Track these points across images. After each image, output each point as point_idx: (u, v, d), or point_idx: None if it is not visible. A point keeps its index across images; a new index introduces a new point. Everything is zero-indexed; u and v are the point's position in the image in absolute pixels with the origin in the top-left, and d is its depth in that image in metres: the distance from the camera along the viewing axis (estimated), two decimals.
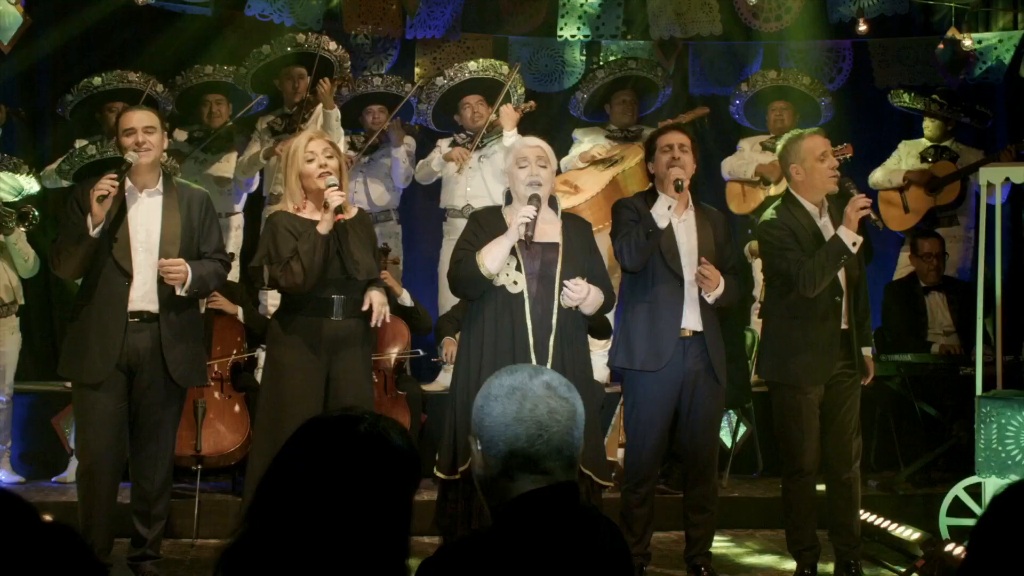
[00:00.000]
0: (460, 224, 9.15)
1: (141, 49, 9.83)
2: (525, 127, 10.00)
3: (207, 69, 9.59)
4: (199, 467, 7.49)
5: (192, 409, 7.56)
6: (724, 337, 8.65)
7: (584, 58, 10.58)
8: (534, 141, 6.18)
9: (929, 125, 9.85)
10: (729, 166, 9.80)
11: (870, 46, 10.56)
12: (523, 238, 5.82)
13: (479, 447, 2.66)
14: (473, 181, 9.18)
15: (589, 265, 6.04)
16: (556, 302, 5.89)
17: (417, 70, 10.39)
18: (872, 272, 10.03)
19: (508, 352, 5.85)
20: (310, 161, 6.09)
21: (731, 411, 8.78)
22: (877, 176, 9.75)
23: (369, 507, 2.23)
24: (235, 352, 8.14)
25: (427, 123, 9.73)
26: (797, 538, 6.58)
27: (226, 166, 9.44)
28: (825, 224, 6.44)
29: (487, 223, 6.06)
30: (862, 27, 9.82)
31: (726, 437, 8.78)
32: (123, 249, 6.13)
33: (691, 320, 6.34)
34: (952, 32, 9.57)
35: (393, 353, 8.23)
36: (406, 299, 8.39)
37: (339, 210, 5.99)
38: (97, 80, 9.11)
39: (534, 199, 5.90)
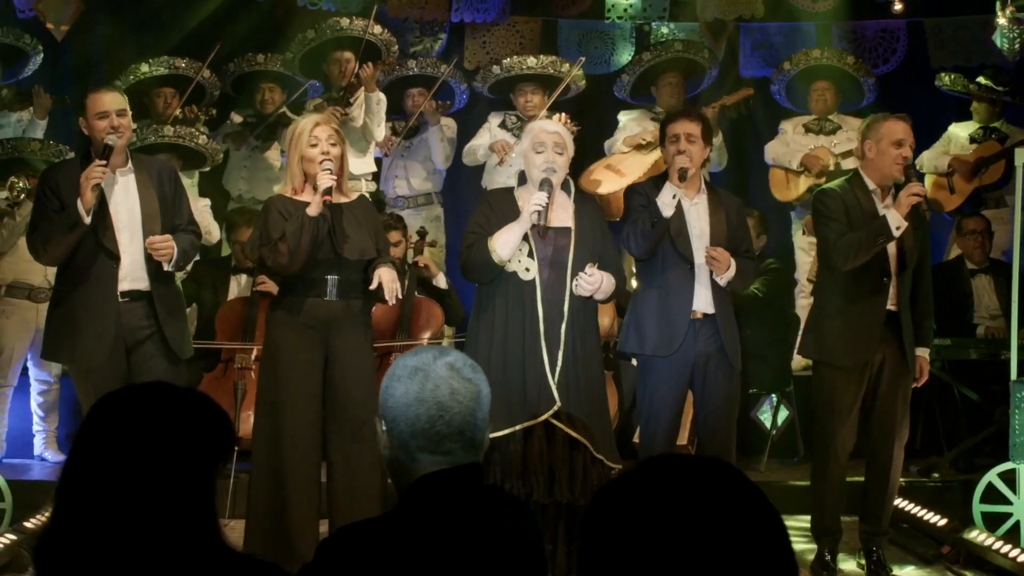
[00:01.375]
0: None
1: (192, 35, 9.90)
2: (568, 110, 10.04)
3: (259, 58, 9.71)
4: (236, 448, 7.55)
5: (232, 390, 7.66)
6: (765, 321, 8.69)
7: (634, 40, 10.52)
8: (553, 126, 6.19)
9: (978, 107, 9.69)
10: (773, 152, 9.68)
11: (926, 26, 10.40)
12: (535, 225, 5.83)
13: (383, 427, 2.67)
14: (517, 165, 9.15)
15: (601, 249, 6.05)
16: (568, 289, 5.92)
17: (467, 54, 10.39)
18: None
19: (519, 339, 5.89)
20: (313, 146, 6.05)
21: (773, 395, 8.72)
22: (924, 160, 9.60)
23: (167, 477, 2.23)
24: None
25: (482, 91, 9.75)
26: (819, 520, 6.54)
27: (274, 154, 9.52)
28: (887, 208, 6.32)
29: (499, 206, 6.08)
30: (897, 6, 9.64)
31: (767, 421, 8.72)
32: (108, 231, 6.16)
33: (702, 302, 6.30)
34: (999, 7, 9.38)
35: (425, 337, 8.24)
36: (441, 281, 8.42)
37: (328, 192, 5.96)
38: (145, 67, 9.24)
39: (545, 184, 5.91)
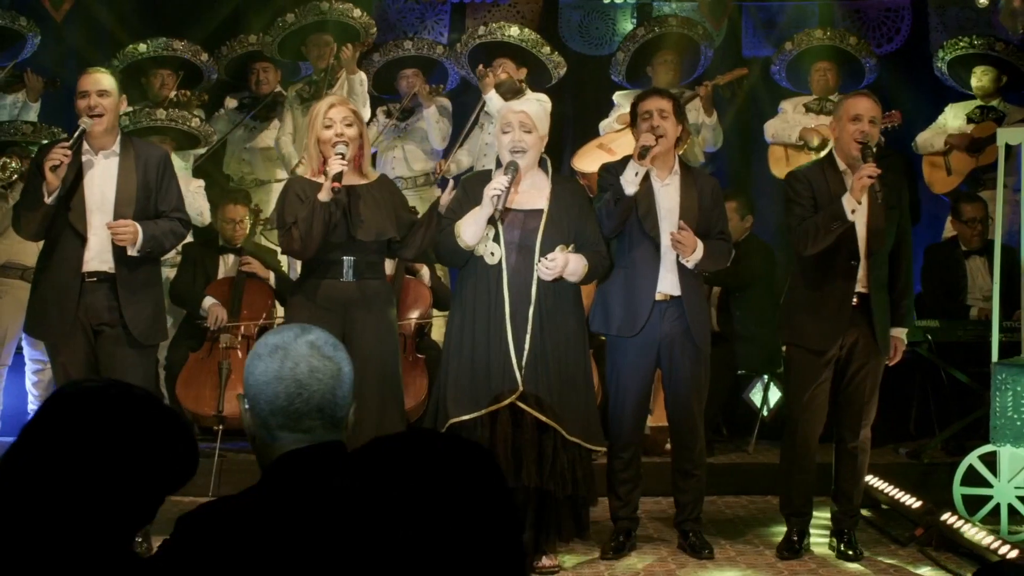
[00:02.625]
0: None
1: (193, 18, 9.95)
2: (568, 91, 10.03)
3: (251, 38, 9.73)
4: (220, 427, 7.62)
5: (217, 370, 7.72)
6: (756, 302, 8.65)
7: (635, 20, 10.48)
8: (520, 105, 6.15)
9: (982, 78, 9.53)
10: (772, 129, 9.62)
11: (929, 5, 10.31)
12: (495, 210, 5.83)
13: (246, 405, 2.68)
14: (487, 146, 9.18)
15: (578, 230, 6.01)
16: (536, 272, 5.91)
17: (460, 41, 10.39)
18: (920, 234, 9.87)
19: (484, 324, 5.91)
20: (328, 127, 6.01)
21: (764, 376, 8.69)
22: (921, 139, 9.53)
23: (97, 490, 2.30)
24: (263, 316, 8.25)
25: (467, 73, 9.69)
26: (787, 501, 6.56)
27: (273, 133, 9.56)
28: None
29: (472, 189, 6.09)
30: None
31: (757, 402, 8.70)
32: (78, 212, 6.18)
33: (667, 284, 6.30)
34: None
35: (412, 318, 8.27)
36: (425, 277, 8.44)
37: (337, 178, 5.90)
38: (143, 47, 9.30)
39: (511, 167, 5.90)
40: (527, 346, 5.85)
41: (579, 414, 5.96)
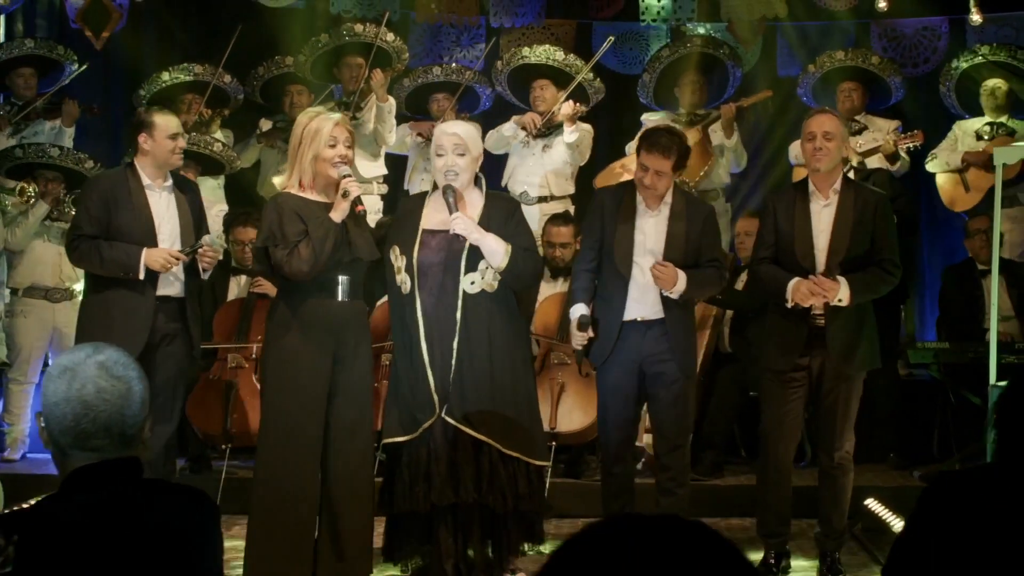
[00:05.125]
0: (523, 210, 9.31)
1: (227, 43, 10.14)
2: (601, 111, 10.08)
3: (287, 60, 9.90)
4: (228, 446, 7.78)
5: (224, 390, 7.89)
6: (758, 321, 8.62)
7: (668, 42, 10.50)
8: (452, 127, 6.14)
9: (987, 100, 9.41)
10: (796, 150, 9.55)
11: (968, 23, 10.19)
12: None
13: (42, 424, 2.79)
14: (531, 166, 9.26)
15: (510, 233, 5.96)
16: (461, 290, 5.88)
17: (503, 57, 10.47)
18: (939, 257, 9.75)
19: (406, 349, 5.97)
20: (332, 146, 5.92)
21: None
22: (935, 161, 9.41)
23: None
24: None
25: (504, 92, 9.85)
26: (763, 522, 6.56)
27: None
28: (822, 210, 6.33)
29: (403, 211, 6.19)
30: (882, 4, 9.48)
31: None
32: (149, 242, 6.54)
33: (645, 309, 6.34)
34: None
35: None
36: None
37: (359, 200, 5.89)
38: (165, 75, 9.53)
39: (448, 191, 5.92)
40: (453, 364, 5.84)
41: (521, 429, 5.94)
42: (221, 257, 6.71)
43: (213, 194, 9.36)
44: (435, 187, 6.12)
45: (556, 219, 8.48)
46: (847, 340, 6.31)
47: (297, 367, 5.92)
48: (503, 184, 9.41)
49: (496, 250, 5.87)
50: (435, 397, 5.84)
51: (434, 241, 5.94)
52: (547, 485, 6.59)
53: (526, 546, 6.08)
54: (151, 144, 6.60)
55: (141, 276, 6.47)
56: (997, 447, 2.57)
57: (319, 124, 5.95)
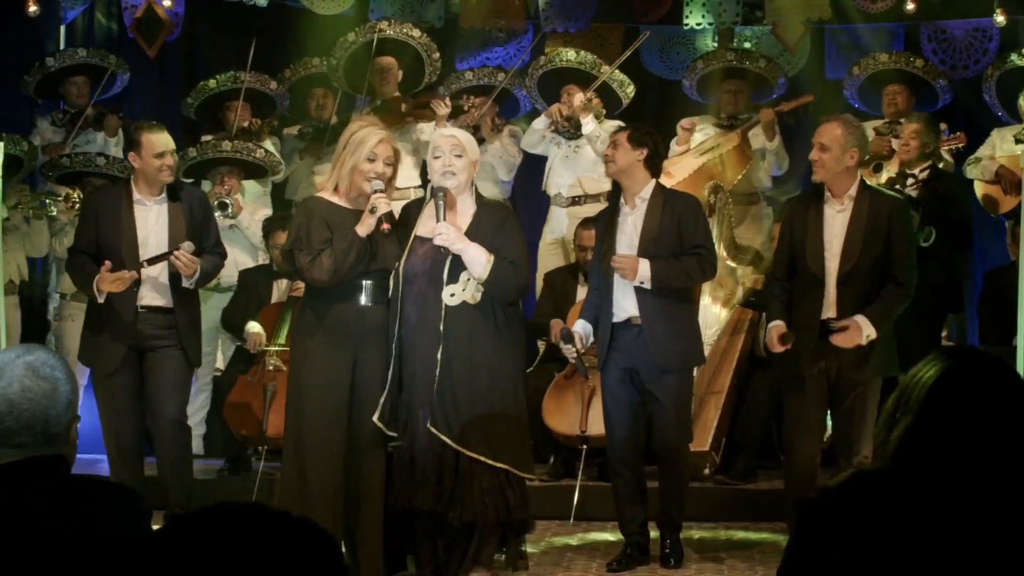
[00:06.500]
0: (557, 212, 9.37)
1: (275, 50, 10.29)
2: (648, 114, 10.11)
3: (314, 61, 10.03)
4: (264, 448, 7.93)
5: (262, 392, 8.01)
6: None
7: (716, 44, 10.49)
8: (450, 131, 6.25)
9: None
10: None
11: (1020, 24, 10.06)
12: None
13: None
14: (563, 167, 9.34)
15: (499, 244, 5.94)
16: (443, 304, 5.88)
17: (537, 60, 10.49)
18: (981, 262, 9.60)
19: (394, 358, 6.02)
20: (371, 161, 5.96)
21: None
22: (973, 167, 9.27)
23: None
24: None
25: (536, 103, 9.90)
26: (790, 524, 6.58)
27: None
28: (836, 215, 6.38)
29: (402, 216, 6.20)
30: (910, 6, 9.41)
31: None
32: (131, 254, 6.76)
33: (628, 308, 6.45)
34: None
35: None
36: None
37: (387, 218, 5.91)
38: (212, 82, 9.67)
39: (438, 192, 5.94)
40: (437, 374, 5.84)
41: (509, 440, 5.93)
42: (196, 267, 6.74)
43: (259, 200, 9.50)
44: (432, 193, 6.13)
45: (587, 223, 8.51)
46: (859, 348, 6.31)
47: (319, 370, 5.99)
48: (543, 188, 9.49)
49: (478, 260, 5.85)
50: (391, 408, 5.95)
51: (422, 249, 5.96)
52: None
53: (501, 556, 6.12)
54: (139, 162, 6.85)
55: (100, 300, 6.73)
56: (906, 437, 2.41)
57: (364, 136, 6.00)
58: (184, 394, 7.07)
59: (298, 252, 5.99)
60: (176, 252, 6.66)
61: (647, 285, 6.32)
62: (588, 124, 8.92)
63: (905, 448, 2.39)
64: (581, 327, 6.60)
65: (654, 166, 6.55)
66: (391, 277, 5.99)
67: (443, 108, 8.96)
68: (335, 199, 6.07)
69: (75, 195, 8.64)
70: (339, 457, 6.01)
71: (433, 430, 5.81)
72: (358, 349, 6.02)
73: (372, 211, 5.90)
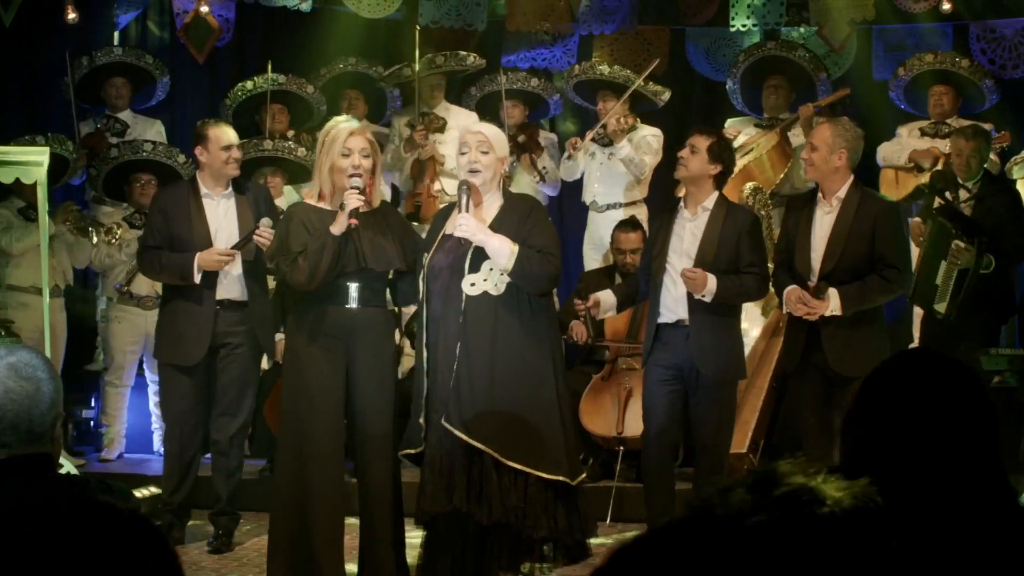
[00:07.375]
0: (595, 218, 9.38)
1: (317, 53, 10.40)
2: (694, 115, 10.12)
3: (350, 59, 10.12)
4: None
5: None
6: None
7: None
8: (477, 127, 6.14)
9: None
10: (884, 152, 9.44)
11: None
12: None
13: None
14: (598, 175, 9.40)
15: (525, 235, 5.73)
16: (464, 295, 5.70)
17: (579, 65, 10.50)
18: None
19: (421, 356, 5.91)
20: (345, 156, 5.85)
21: None
22: (1020, 169, 9.16)
23: None
24: None
25: (573, 98, 10.03)
26: None
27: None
28: (824, 216, 6.55)
29: (433, 224, 6.18)
30: (946, 5, 9.33)
31: None
32: (204, 250, 6.90)
33: (676, 312, 6.46)
34: None
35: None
36: None
37: (354, 214, 5.77)
38: (249, 84, 9.75)
39: (463, 187, 5.79)
40: (454, 369, 5.65)
41: (535, 444, 5.66)
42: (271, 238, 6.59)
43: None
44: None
45: (624, 225, 8.52)
46: (844, 342, 6.42)
47: (307, 373, 5.93)
48: (581, 199, 9.54)
49: (501, 250, 5.63)
50: (426, 404, 5.76)
51: (448, 244, 5.79)
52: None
53: (528, 566, 5.77)
54: (206, 156, 7.00)
55: (196, 280, 6.82)
56: (848, 448, 2.40)
57: (335, 133, 5.94)
58: (252, 396, 7.26)
59: (279, 258, 6.01)
60: (257, 229, 6.72)
61: (707, 299, 6.33)
62: (623, 148, 8.97)
63: (847, 449, 2.43)
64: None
65: (722, 182, 6.60)
66: (420, 279, 5.87)
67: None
68: (319, 203, 6.02)
69: (118, 231, 8.72)
70: (332, 462, 5.97)
71: (447, 425, 5.61)
72: (349, 353, 5.96)
73: (342, 207, 5.83)
